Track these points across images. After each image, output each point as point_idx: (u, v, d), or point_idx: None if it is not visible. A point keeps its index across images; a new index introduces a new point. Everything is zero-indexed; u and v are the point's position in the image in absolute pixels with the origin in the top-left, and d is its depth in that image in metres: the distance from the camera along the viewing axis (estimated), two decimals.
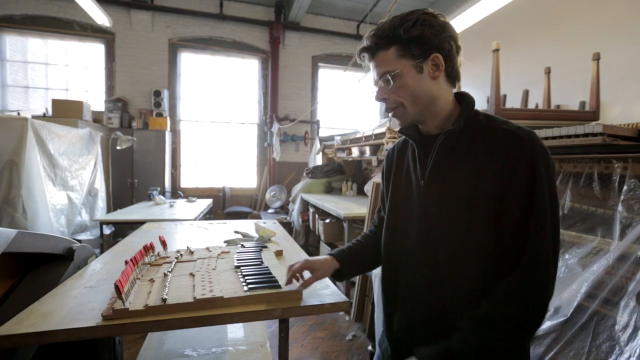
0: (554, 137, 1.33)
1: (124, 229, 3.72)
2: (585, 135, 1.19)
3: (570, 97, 3.01)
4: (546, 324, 1.09)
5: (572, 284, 1.09)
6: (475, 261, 0.69)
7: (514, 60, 3.54)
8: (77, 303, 0.94)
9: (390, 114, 0.80)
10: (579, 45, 3.06)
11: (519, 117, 2.03)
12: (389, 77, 0.74)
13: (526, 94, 3.25)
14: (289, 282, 0.96)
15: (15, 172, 2.49)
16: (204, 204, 3.84)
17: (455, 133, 0.75)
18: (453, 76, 0.77)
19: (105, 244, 3.15)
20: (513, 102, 3.42)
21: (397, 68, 0.73)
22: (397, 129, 3.17)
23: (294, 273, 0.94)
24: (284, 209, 5.50)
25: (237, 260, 1.27)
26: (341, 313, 2.72)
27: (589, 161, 1.29)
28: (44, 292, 1.02)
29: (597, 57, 2.09)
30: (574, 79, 2.95)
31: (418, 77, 0.74)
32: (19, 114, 4.13)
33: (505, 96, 3.34)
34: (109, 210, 4.04)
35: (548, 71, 2.46)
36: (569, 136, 1.26)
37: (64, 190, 3.12)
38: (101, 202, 3.87)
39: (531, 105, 3.19)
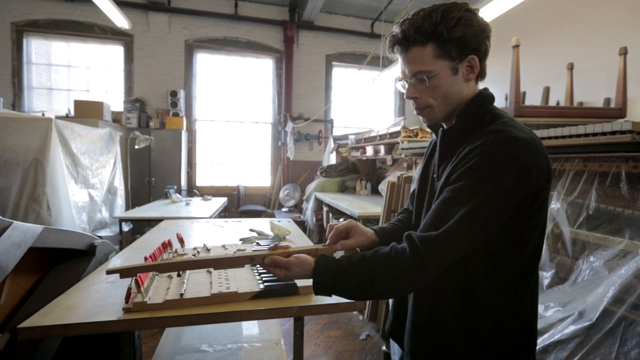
0: (578, 135, 1.28)
1: (142, 226, 3.82)
2: (613, 133, 1.14)
3: (594, 94, 2.90)
4: (570, 328, 1.05)
5: (598, 287, 1.05)
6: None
7: (534, 57, 3.43)
8: (99, 297, 0.97)
9: (416, 112, 0.79)
10: (604, 39, 2.94)
11: (539, 114, 1.97)
12: (425, 78, 0.71)
13: (547, 90, 3.15)
14: (332, 242, 0.88)
15: (41, 171, 2.59)
16: (219, 202, 3.90)
17: (448, 132, 0.77)
18: (482, 75, 0.76)
19: (124, 240, 3.24)
20: (533, 99, 3.32)
21: (434, 69, 0.71)
22: (412, 128, 3.13)
23: (339, 233, 0.88)
24: (297, 207, 5.52)
25: None
26: (355, 312, 2.71)
27: (615, 160, 1.24)
28: (68, 286, 1.05)
29: (624, 52, 2.01)
30: (598, 75, 2.84)
31: (452, 79, 0.72)
32: (43, 114, 4.28)
33: (524, 93, 3.25)
34: (127, 208, 4.15)
35: (571, 67, 2.38)
36: (595, 134, 1.21)
37: (85, 188, 3.22)
38: (120, 200, 3.98)
39: (552, 102, 3.10)
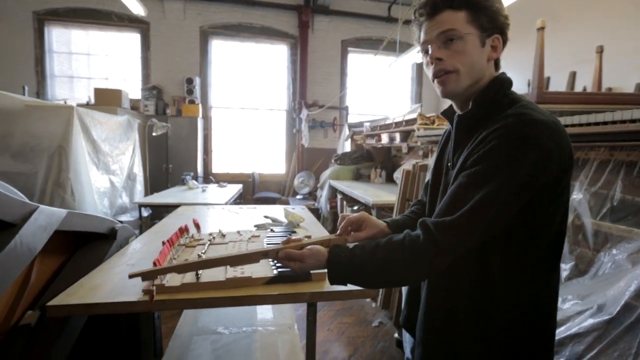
0: (605, 123, 1.22)
1: (160, 211, 3.91)
2: None
3: (624, 79, 2.75)
4: (588, 322, 1.03)
5: (620, 281, 1.02)
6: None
7: (560, 41, 3.26)
8: (120, 279, 1.01)
9: (436, 80, 0.73)
10: (637, 20, 2.76)
11: (563, 101, 1.89)
12: (455, 38, 0.69)
13: (573, 76, 3.01)
14: (342, 232, 0.86)
15: (64, 157, 2.68)
16: (235, 189, 3.95)
17: (464, 118, 0.75)
18: (497, 64, 0.76)
19: (143, 225, 3.34)
20: (557, 86, 3.18)
21: (467, 31, 0.70)
22: (428, 115, 3.06)
23: (351, 224, 0.86)
24: (312, 195, 5.54)
25: (267, 244, 1.30)
26: (368, 300, 2.73)
27: None
28: (91, 267, 1.10)
29: None
30: (629, 59, 2.68)
31: (480, 50, 0.71)
32: (65, 102, 4.41)
33: (548, 79, 3.11)
34: (146, 194, 4.26)
35: (600, 50, 2.25)
36: (623, 121, 1.15)
37: (106, 174, 3.32)
38: (139, 186, 4.09)
39: (578, 88, 2.96)
